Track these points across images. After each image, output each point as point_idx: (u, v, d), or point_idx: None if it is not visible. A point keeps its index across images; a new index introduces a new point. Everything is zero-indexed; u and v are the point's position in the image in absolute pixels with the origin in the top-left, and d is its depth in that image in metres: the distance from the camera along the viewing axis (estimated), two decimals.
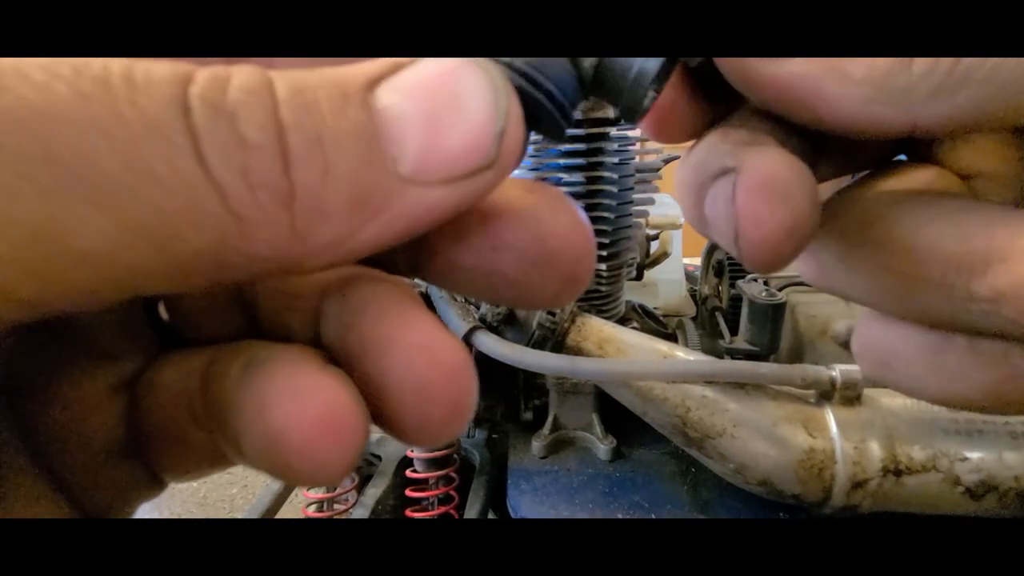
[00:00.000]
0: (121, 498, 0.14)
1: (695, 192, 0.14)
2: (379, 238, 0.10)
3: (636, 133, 0.43)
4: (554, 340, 0.36)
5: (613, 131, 0.41)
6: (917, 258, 0.12)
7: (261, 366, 0.11)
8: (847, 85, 0.11)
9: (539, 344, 0.36)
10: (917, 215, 0.12)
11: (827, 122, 0.12)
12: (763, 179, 0.12)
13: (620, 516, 0.37)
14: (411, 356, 0.11)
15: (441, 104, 0.10)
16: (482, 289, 0.13)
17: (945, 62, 0.10)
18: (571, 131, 0.40)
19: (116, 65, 0.08)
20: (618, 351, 0.36)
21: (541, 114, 0.12)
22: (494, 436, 0.54)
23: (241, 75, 0.09)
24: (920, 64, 0.10)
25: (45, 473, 0.13)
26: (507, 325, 0.37)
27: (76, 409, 0.13)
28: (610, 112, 0.39)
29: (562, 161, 0.41)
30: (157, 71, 0.09)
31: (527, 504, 0.39)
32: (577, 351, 0.37)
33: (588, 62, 0.12)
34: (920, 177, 0.14)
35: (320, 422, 0.10)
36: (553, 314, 0.36)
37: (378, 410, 0.11)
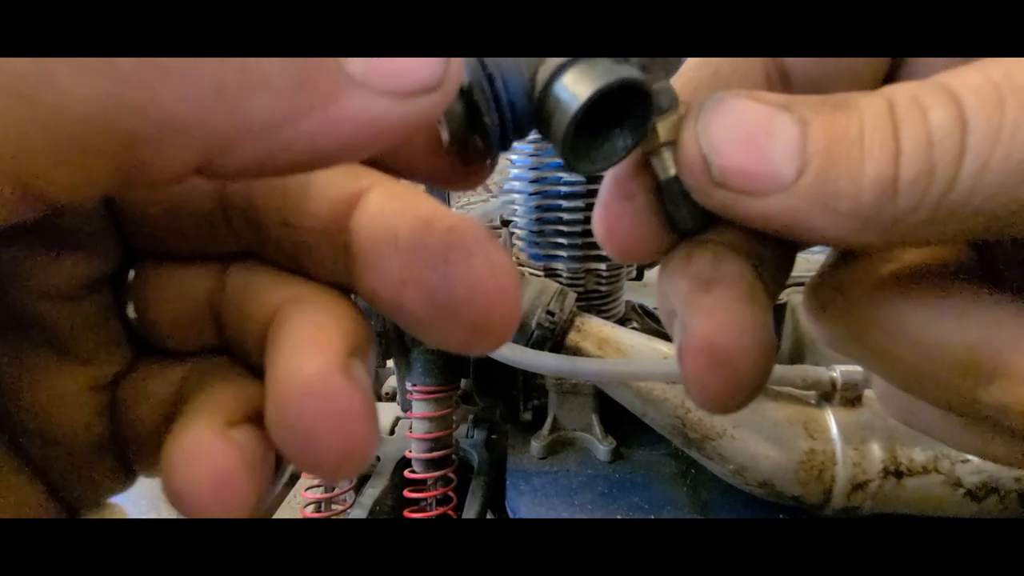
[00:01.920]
0: (97, 489, 0.15)
1: (664, 314, 0.14)
2: (318, 140, 0.09)
3: None
4: (553, 340, 0.36)
5: None
6: (924, 355, 0.12)
7: (183, 419, 0.12)
8: (835, 219, 0.11)
9: (538, 344, 0.36)
10: (925, 311, 0.12)
11: (815, 243, 0.13)
12: (705, 345, 0.12)
13: (619, 517, 0.37)
14: (297, 401, 0.11)
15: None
16: (397, 321, 0.12)
17: (933, 193, 0.10)
18: None
19: None
20: (618, 351, 0.36)
21: (488, 108, 0.12)
22: (493, 437, 0.54)
23: None
24: (905, 196, 0.10)
25: (25, 464, 0.13)
26: None
27: (54, 407, 0.13)
28: None
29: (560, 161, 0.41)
30: None
31: (526, 505, 0.39)
32: (576, 351, 0.37)
33: (540, 84, 0.12)
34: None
35: (209, 484, 0.11)
36: (552, 314, 0.36)
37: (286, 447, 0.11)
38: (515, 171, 0.44)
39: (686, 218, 0.13)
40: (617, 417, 0.43)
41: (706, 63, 0.15)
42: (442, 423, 0.45)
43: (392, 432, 0.56)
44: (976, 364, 0.11)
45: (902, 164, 0.10)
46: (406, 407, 0.46)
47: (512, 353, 0.33)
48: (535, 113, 0.12)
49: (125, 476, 0.16)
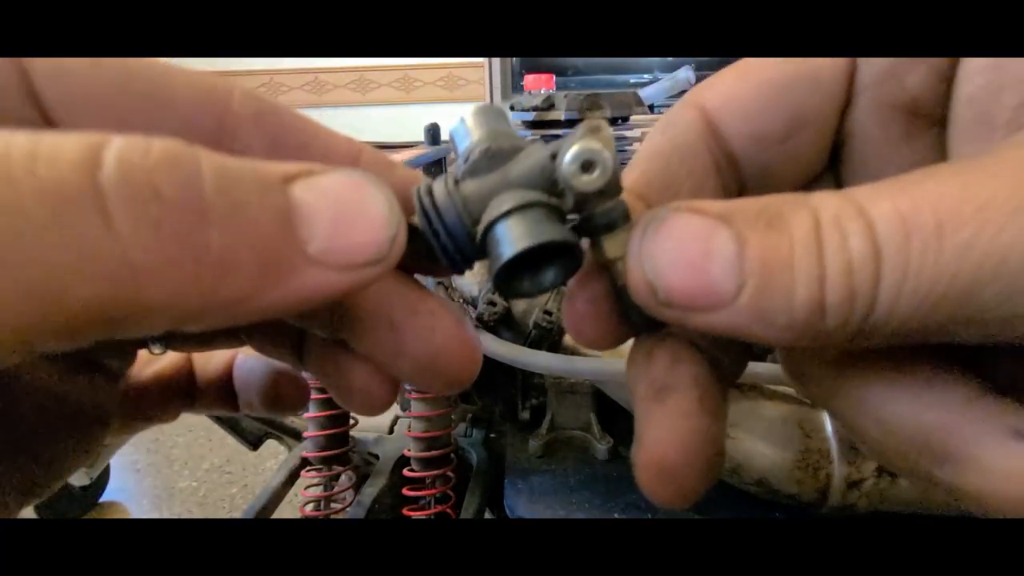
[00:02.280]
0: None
1: (631, 398, 0.16)
2: (277, 304, 0.11)
3: (634, 134, 0.43)
4: (551, 340, 0.36)
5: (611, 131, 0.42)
6: (884, 430, 0.13)
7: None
8: (774, 331, 0.12)
9: (536, 343, 0.36)
10: (883, 390, 0.13)
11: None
12: (654, 460, 0.14)
13: (617, 516, 0.37)
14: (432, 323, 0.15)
15: (350, 207, 0.12)
16: (391, 373, 0.16)
17: (856, 315, 0.11)
18: (568, 131, 0.40)
19: (22, 138, 0.09)
20: (615, 351, 0.36)
21: (434, 245, 0.14)
22: (491, 436, 0.54)
23: (165, 142, 0.10)
24: (832, 317, 0.11)
25: None
26: (504, 325, 0.37)
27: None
28: (608, 112, 0.39)
29: None
30: (68, 141, 0.09)
31: (524, 503, 0.39)
32: (574, 351, 0.37)
33: (482, 226, 0.14)
34: None
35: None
36: (550, 313, 0.36)
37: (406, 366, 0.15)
38: None
39: (641, 323, 0.15)
40: (615, 416, 0.43)
41: (657, 155, 0.16)
42: (441, 422, 0.45)
43: (391, 431, 0.56)
44: (928, 446, 0.12)
45: (827, 289, 0.11)
46: (405, 406, 0.46)
47: (510, 352, 0.34)
48: (480, 250, 0.14)
49: None
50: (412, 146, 0.75)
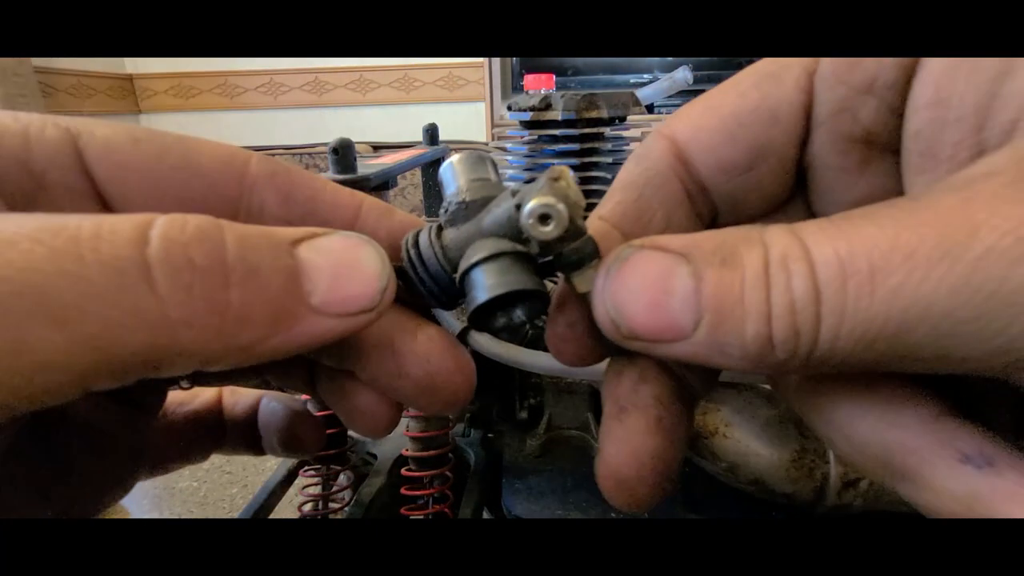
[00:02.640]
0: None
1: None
2: (285, 347, 0.14)
3: (631, 133, 0.43)
4: None
5: (608, 131, 0.42)
6: (851, 444, 0.14)
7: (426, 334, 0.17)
8: (731, 361, 0.13)
9: (533, 343, 0.36)
10: (850, 407, 0.14)
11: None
12: (612, 472, 0.16)
13: (614, 515, 0.38)
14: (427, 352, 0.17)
15: (346, 264, 0.14)
16: (393, 396, 0.18)
17: (801, 350, 0.12)
18: (566, 131, 0.40)
19: (89, 222, 0.11)
20: None
21: (421, 288, 0.17)
22: (489, 435, 0.54)
23: (198, 219, 0.12)
24: (780, 350, 0.12)
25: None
26: None
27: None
28: (604, 112, 0.40)
29: (556, 161, 0.41)
30: (123, 223, 0.11)
31: (522, 502, 0.39)
32: None
33: (459, 273, 0.16)
34: None
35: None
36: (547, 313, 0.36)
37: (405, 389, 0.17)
38: (511, 172, 0.44)
39: (613, 346, 0.16)
40: None
41: (631, 185, 0.18)
42: (439, 422, 0.45)
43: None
44: (890, 463, 0.13)
45: (774, 326, 0.12)
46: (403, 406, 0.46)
47: (507, 352, 0.34)
48: (460, 292, 0.16)
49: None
50: (411, 146, 0.76)
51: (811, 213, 0.18)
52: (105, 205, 0.16)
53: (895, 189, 0.16)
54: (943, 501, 0.12)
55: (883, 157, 0.16)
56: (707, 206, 0.18)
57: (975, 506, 0.12)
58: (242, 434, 0.26)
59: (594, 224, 0.17)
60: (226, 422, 0.25)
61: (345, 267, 0.14)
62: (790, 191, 0.18)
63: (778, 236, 0.12)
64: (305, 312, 0.13)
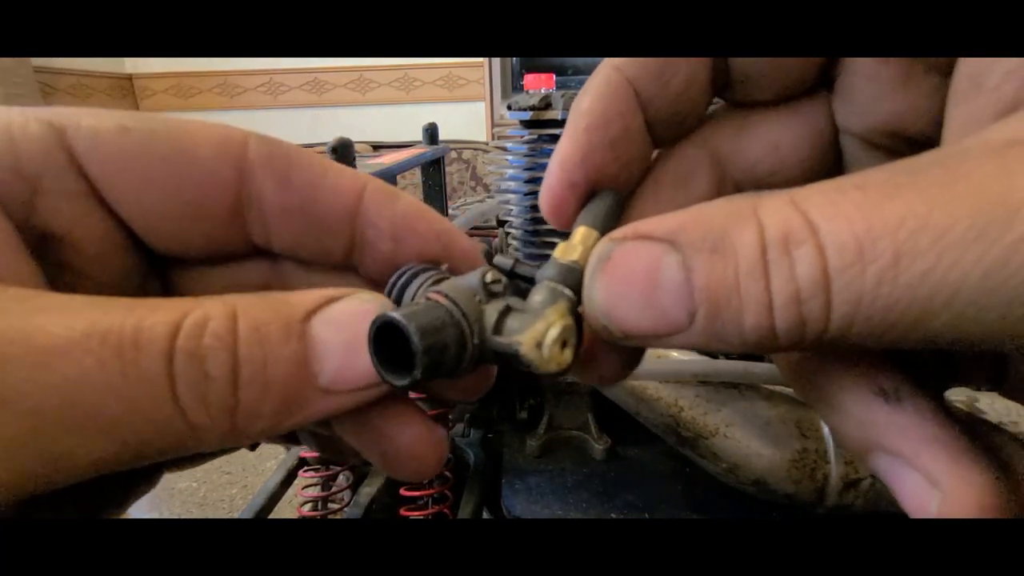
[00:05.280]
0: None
1: None
2: (295, 427, 0.14)
3: None
4: None
5: None
6: (836, 425, 0.14)
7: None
8: (732, 346, 0.12)
9: None
10: (832, 398, 0.14)
11: None
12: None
13: (614, 515, 0.37)
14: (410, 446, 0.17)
15: (357, 337, 0.14)
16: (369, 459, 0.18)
17: (808, 336, 0.11)
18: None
19: (130, 324, 0.12)
20: None
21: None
22: (489, 436, 0.54)
23: (216, 322, 0.13)
24: (785, 338, 0.11)
25: None
26: None
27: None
28: None
29: None
30: (158, 328, 0.12)
31: (522, 503, 0.39)
32: None
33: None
34: None
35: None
36: None
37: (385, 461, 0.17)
38: (510, 171, 0.44)
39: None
40: (612, 416, 0.43)
41: (594, 126, 0.17)
42: (438, 422, 0.45)
43: (491, 386, 0.56)
44: (863, 444, 0.13)
45: (776, 317, 0.11)
46: None
47: None
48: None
49: None
50: (411, 145, 0.75)
51: (830, 118, 0.17)
52: (102, 201, 0.16)
53: (934, 113, 0.15)
54: (847, 425, 0.13)
55: (928, 74, 0.15)
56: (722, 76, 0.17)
57: (869, 432, 0.13)
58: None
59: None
60: None
61: (356, 342, 0.14)
62: (814, 78, 0.17)
63: (776, 210, 0.11)
64: (313, 395, 0.14)
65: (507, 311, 0.14)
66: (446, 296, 0.14)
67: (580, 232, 0.16)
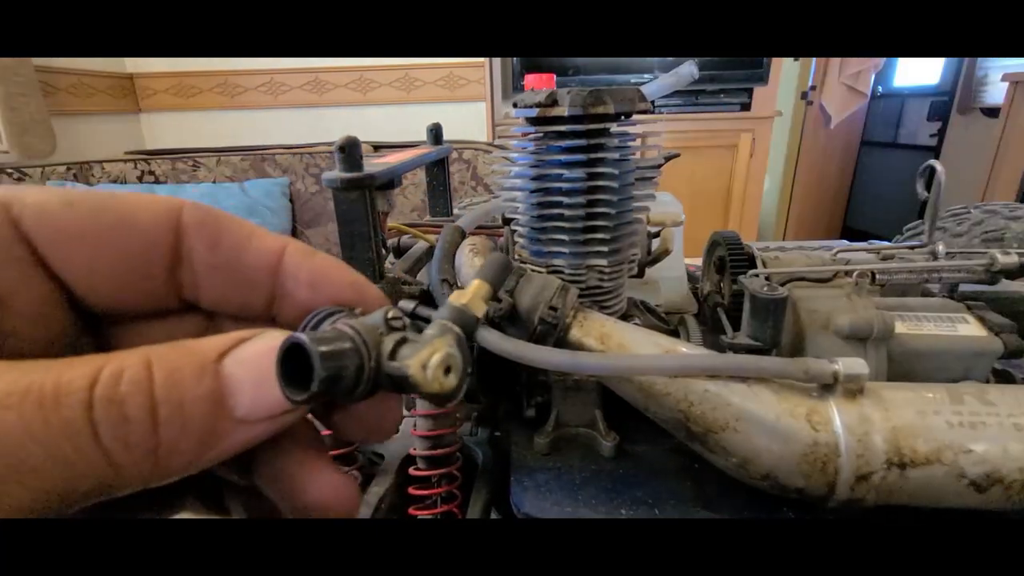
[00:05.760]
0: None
1: None
2: (216, 459, 0.15)
3: (637, 130, 0.43)
4: (556, 336, 0.36)
5: (614, 127, 0.41)
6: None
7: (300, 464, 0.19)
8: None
9: (541, 339, 0.36)
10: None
11: None
12: None
13: (623, 512, 0.37)
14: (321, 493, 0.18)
15: (267, 370, 0.15)
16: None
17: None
18: (571, 127, 0.40)
19: (50, 380, 0.13)
20: (620, 346, 0.36)
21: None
22: (496, 434, 0.54)
23: (132, 370, 0.14)
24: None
25: None
26: (509, 321, 0.37)
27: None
28: (611, 108, 0.39)
29: (563, 157, 0.41)
30: (76, 381, 0.13)
31: (530, 501, 0.39)
32: (579, 347, 0.37)
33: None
34: None
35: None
36: (555, 309, 0.36)
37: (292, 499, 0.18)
38: (516, 169, 0.44)
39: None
40: (620, 413, 0.43)
41: None
42: (446, 420, 0.45)
43: (396, 430, 0.56)
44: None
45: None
46: (410, 405, 0.46)
47: (515, 348, 0.34)
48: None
49: None
50: (413, 145, 0.75)
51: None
52: (44, 266, 0.17)
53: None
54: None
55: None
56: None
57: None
58: None
59: None
60: None
61: (267, 375, 0.15)
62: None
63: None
64: (231, 426, 0.15)
65: (403, 341, 0.16)
66: (349, 326, 0.16)
67: (475, 283, 0.19)
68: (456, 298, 0.18)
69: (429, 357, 0.16)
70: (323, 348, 0.15)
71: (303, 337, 0.15)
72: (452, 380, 0.16)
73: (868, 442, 0.30)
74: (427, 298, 0.42)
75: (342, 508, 0.18)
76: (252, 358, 0.15)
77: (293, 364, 0.15)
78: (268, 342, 0.16)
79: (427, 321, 0.18)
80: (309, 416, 0.20)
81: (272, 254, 0.19)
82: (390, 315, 0.17)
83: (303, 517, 0.18)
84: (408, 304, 0.19)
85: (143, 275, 0.18)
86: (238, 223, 0.19)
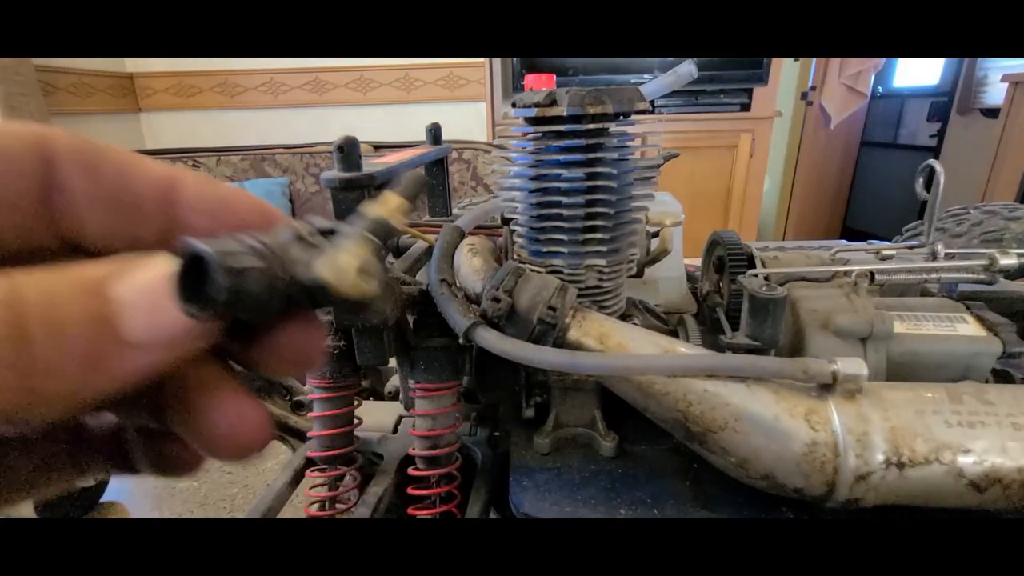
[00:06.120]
0: None
1: None
2: (111, 388, 0.14)
3: (636, 130, 0.43)
4: (555, 336, 0.36)
5: (612, 127, 0.41)
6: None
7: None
8: None
9: (539, 339, 0.36)
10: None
11: None
12: None
13: (622, 512, 0.37)
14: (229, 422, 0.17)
15: (162, 294, 0.14)
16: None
17: None
18: (570, 127, 0.40)
19: None
20: (619, 346, 0.36)
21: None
22: (496, 434, 0.54)
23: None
24: None
25: None
26: (508, 321, 0.37)
27: None
28: (610, 107, 0.39)
29: (561, 157, 0.41)
30: None
31: (529, 501, 0.39)
32: (578, 347, 0.37)
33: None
34: None
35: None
36: (554, 309, 0.36)
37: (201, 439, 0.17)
38: (515, 169, 0.44)
39: None
40: (620, 413, 0.43)
41: None
42: (445, 420, 0.45)
43: (395, 431, 0.56)
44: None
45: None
46: (409, 405, 0.46)
47: (514, 348, 0.34)
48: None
49: None
50: (413, 145, 0.75)
51: None
52: None
53: None
54: None
55: None
56: None
57: None
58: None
59: None
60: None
61: (163, 297, 0.14)
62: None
63: None
64: (120, 350, 0.14)
65: (317, 252, 0.15)
66: (254, 237, 0.15)
67: (389, 195, 0.18)
68: (371, 209, 0.17)
69: (345, 260, 0.15)
70: (227, 259, 0.14)
71: (202, 245, 0.14)
72: (370, 285, 0.15)
73: (867, 442, 0.30)
74: (426, 298, 0.42)
75: (251, 438, 0.17)
76: (144, 282, 0.14)
77: (194, 280, 0.14)
78: (163, 267, 0.14)
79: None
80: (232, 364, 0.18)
81: (162, 180, 0.18)
82: (301, 231, 0.16)
83: (216, 455, 0.17)
84: (319, 219, 0.17)
85: (10, 207, 0.16)
86: (121, 152, 0.18)
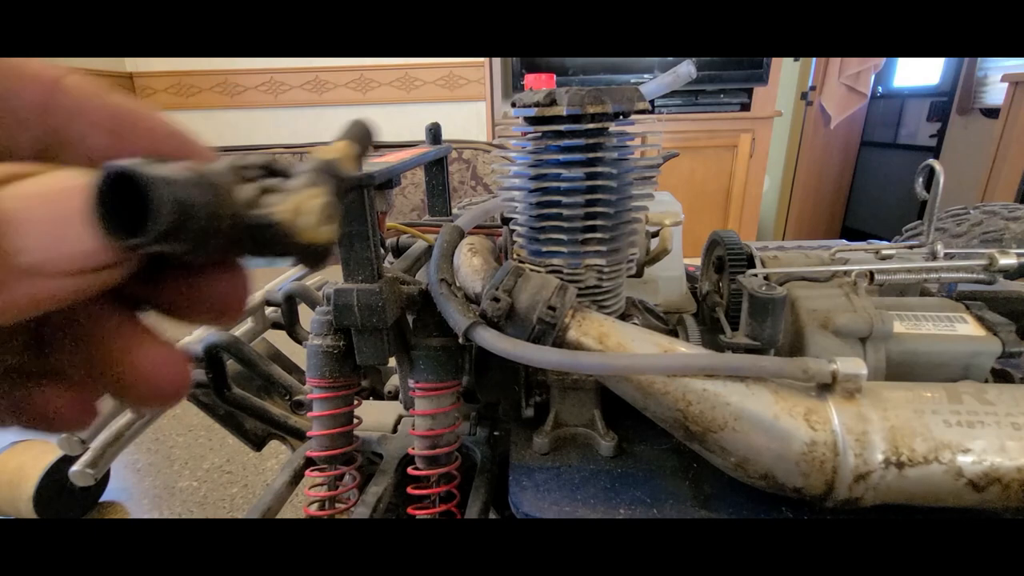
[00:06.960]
0: None
1: None
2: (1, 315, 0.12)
3: (636, 129, 0.43)
4: (555, 335, 0.36)
5: (612, 127, 0.41)
6: None
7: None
8: None
9: (539, 339, 0.36)
10: None
11: None
12: None
13: (622, 512, 0.37)
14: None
15: (66, 211, 0.11)
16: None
17: None
18: (570, 127, 0.40)
19: None
20: (618, 346, 0.36)
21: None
22: (495, 433, 0.54)
23: None
24: None
25: None
26: (508, 321, 0.37)
27: None
28: (609, 107, 0.39)
29: (561, 157, 0.41)
30: None
31: (529, 501, 0.39)
32: (578, 346, 0.37)
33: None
34: None
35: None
36: (554, 308, 0.36)
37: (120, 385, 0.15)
38: (515, 169, 0.44)
39: None
40: (619, 413, 0.43)
41: None
42: (445, 420, 0.45)
43: (395, 430, 0.56)
44: None
45: None
46: (408, 404, 0.46)
47: (513, 348, 0.34)
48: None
49: None
50: (413, 145, 0.75)
51: None
52: None
53: None
54: None
55: None
56: None
57: None
58: None
59: None
60: None
61: (67, 216, 0.11)
62: None
63: None
64: (10, 276, 0.11)
65: (265, 190, 0.13)
66: (191, 167, 0.12)
67: (342, 143, 0.17)
68: (323, 154, 0.15)
69: (306, 203, 0.13)
70: (170, 186, 0.11)
71: (137, 165, 0.11)
72: (330, 231, 0.13)
73: (866, 441, 0.30)
74: (426, 298, 0.42)
75: (169, 384, 0.15)
76: (40, 194, 0.12)
77: (118, 204, 0.12)
78: (68, 178, 0.12)
79: (286, 176, 0.15)
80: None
81: (39, 81, 0.14)
82: (239, 164, 0.14)
83: (133, 401, 0.15)
84: (259, 157, 0.15)
85: None
86: None
